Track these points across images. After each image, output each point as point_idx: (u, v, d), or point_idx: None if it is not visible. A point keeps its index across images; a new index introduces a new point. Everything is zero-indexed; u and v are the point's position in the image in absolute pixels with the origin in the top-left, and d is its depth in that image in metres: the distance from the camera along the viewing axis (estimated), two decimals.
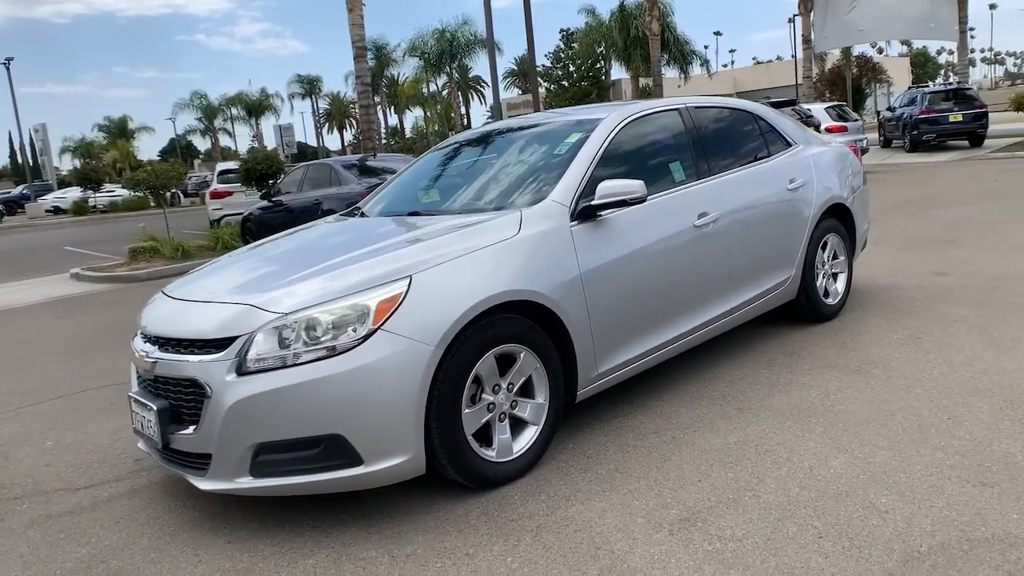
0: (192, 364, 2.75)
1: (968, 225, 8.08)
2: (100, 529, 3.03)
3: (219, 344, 2.73)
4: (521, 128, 4.15)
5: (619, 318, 3.39)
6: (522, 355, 3.03)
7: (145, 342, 3.06)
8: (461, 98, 52.45)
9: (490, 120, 74.29)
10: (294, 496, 3.00)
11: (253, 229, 12.29)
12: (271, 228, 11.84)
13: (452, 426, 2.79)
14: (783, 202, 4.42)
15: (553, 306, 3.09)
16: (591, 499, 2.83)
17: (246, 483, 2.73)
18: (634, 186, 3.30)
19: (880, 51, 68.13)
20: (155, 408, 2.85)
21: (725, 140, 4.32)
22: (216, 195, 16.84)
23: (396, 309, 2.69)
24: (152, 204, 32.30)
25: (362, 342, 2.63)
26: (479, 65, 59.25)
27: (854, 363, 4.04)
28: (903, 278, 5.88)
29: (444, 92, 56.97)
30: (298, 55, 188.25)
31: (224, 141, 63.96)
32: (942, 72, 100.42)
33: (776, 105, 13.09)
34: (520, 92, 73.78)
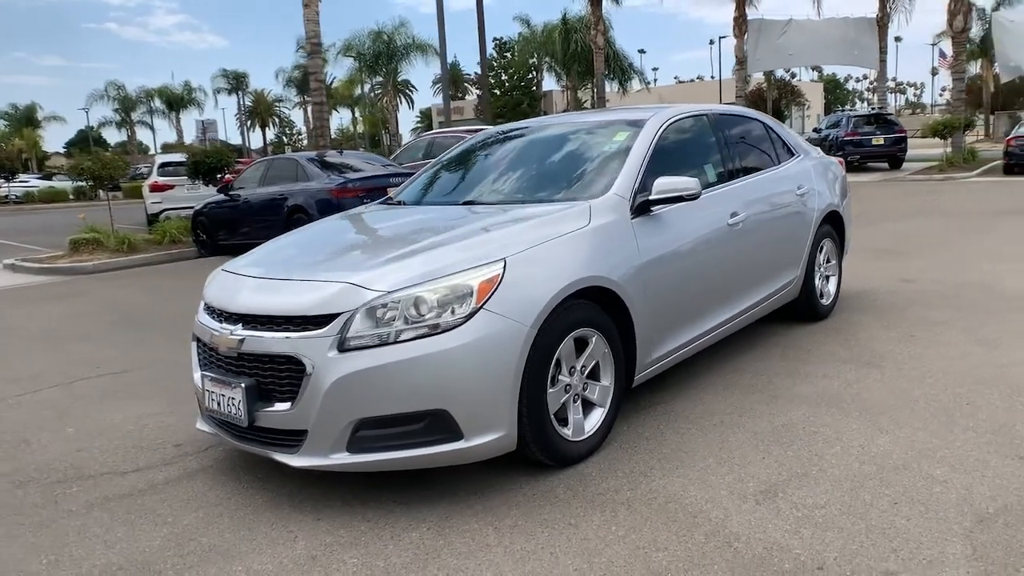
0: (290, 341, 2.76)
1: (913, 239, 8.72)
2: (171, 510, 2.99)
3: (319, 321, 2.76)
4: (561, 125, 4.30)
5: (669, 308, 3.58)
6: (594, 339, 3.17)
7: (223, 320, 3.04)
8: (392, 101, 51.82)
9: (419, 126, 73.22)
10: (373, 475, 3.05)
11: (207, 224, 11.95)
12: (228, 223, 11.58)
13: (539, 404, 2.91)
14: (793, 208, 4.72)
15: (621, 293, 3.25)
16: (667, 475, 3.00)
17: (341, 459, 2.76)
18: (690, 183, 3.50)
19: (793, 76, 71.57)
20: (243, 386, 2.85)
21: (745, 146, 4.60)
22: (156, 188, 16.20)
23: (495, 290, 2.79)
24: (71, 196, 30.75)
25: (466, 320, 2.72)
26: (412, 69, 58.98)
27: (863, 357, 4.36)
28: (875, 284, 6.32)
29: (374, 93, 56.42)
30: (216, 50, 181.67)
31: (142, 135, 61.38)
32: (850, 98, 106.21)
33: None
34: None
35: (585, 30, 29.82)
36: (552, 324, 2.92)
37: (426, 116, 76.08)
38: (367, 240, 3.48)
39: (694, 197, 3.52)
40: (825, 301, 5.24)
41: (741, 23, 25.39)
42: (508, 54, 52.15)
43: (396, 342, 2.70)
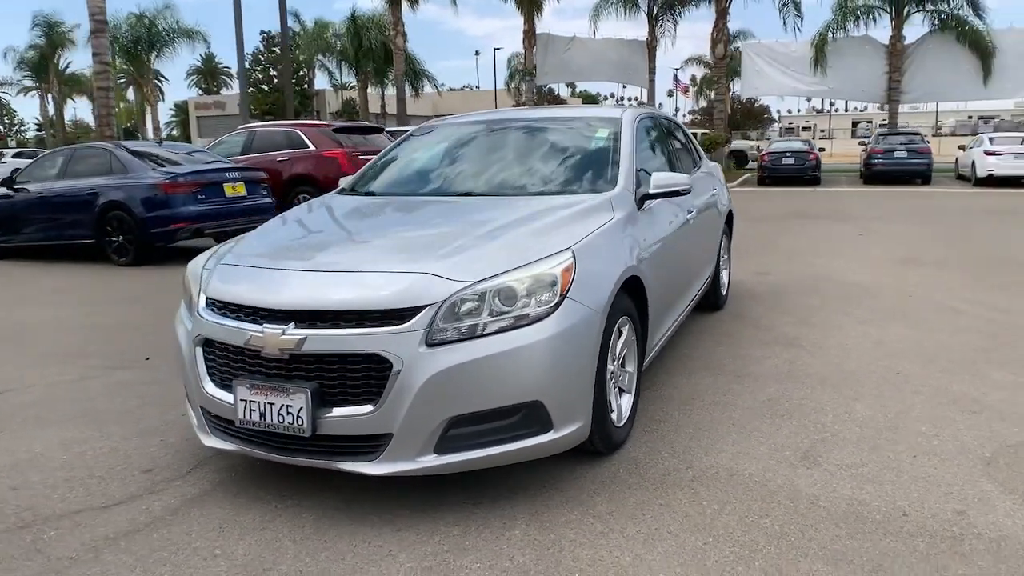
0: (373, 337, 2.53)
1: (739, 238, 9.81)
2: (208, 542, 2.58)
3: (402, 315, 2.55)
4: (537, 119, 4.32)
5: (664, 294, 3.78)
6: (627, 327, 3.27)
7: (262, 319, 2.67)
8: (152, 92, 46.92)
9: (174, 120, 66.80)
10: (409, 479, 2.86)
11: None
12: (11, 222, 9.93)
13: (603, 392, 2.95)
14: (712, 206, 5.18)
15: (645, 280, 3.38)
16: (709, 452, 3.18)
17: (429, 461, 2.59)
18: (683, 179, 3.73)
19: (551, 91, 76.62)
20: (308, 391, 2.55)
21: (679, 147, 4.96)
22: None
23: (573, 278, 2.78)
24: None
25: (554, 309, 2.68)
26: (177, 59, 53.52)
27: (781, 339, 4.91)
28: (738, 277, 7.06)
29: (117, 83, 50.72)
30: None
31: None
32: None
33: None
34: (200, 92, 68.72)
35: (377, 29, 29.52)
36: (612, 312, 2.97)
37: (182, 110, 70.02)
38: (402, 231, 3.23)
39: (687, 192, 3.75)
40: (723, 291, 5.79)
41: (530, 36, 26.71)
42: (277, 48, 49.82)
43: (486, 334, 2.59)
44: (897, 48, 24.76)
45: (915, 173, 20.31)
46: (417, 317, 2.55)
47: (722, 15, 23.97)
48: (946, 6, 23.78)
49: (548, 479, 2.96)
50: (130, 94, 53.60)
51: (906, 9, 24.32)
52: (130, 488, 3.02)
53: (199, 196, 8.98)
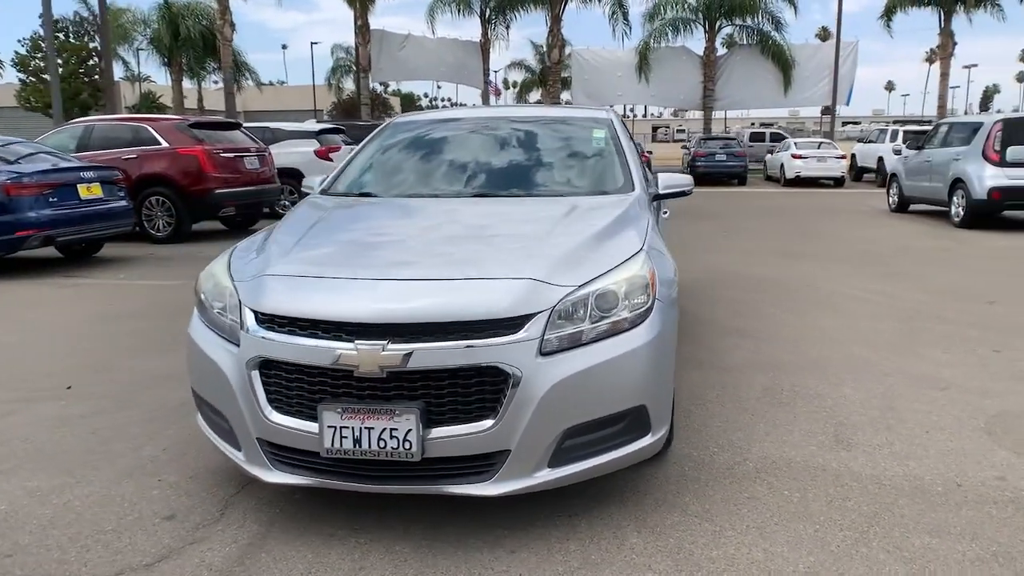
0: (493, 348, 2.35)
1: None
2: None
3: (513, 324, 2.40)
4: (530, 119, 4.24)
5: None
6: None
7: (351, 335, 2.38)
8: None
9: None
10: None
11: None
12: None
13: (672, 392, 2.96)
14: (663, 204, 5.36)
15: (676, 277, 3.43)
16: (752, 443, 3.30)
17: (544, 476, 2.47)
18: (686, 180, 3.84)
19: (374, 89, 75.61)
20: (417, 410, 2.33)
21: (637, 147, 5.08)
22: None
23: (656, 280, 2.77)
24: None
25: (649, 312, 2.65)
26: None
27: (733, 331, 5.20)
28: None
29: None
30: None
31: None
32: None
33: (332, 131, 13.99)
34: None
35: (195, 18, 27.43)
36: None
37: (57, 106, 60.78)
38: (462, 235, 2.99)
39: (691, 192, 3.87)
40: None
41: (365, 31, 26.07)
42: (61, 35, 44.77)
43: (591, 340, 2.51)
44: (711, 59, 27.06)
45: (733, 175, 22.31)
46: (529, 325, 2.41)
47: (556, 20, 24.88)
48: (751, 20, 26.40)
49: (623, 484, 2.92)
50: None
51: (718, 23, 26.64)
52: (163, 540, 2.59)
53: (50, 199, 7.84)
